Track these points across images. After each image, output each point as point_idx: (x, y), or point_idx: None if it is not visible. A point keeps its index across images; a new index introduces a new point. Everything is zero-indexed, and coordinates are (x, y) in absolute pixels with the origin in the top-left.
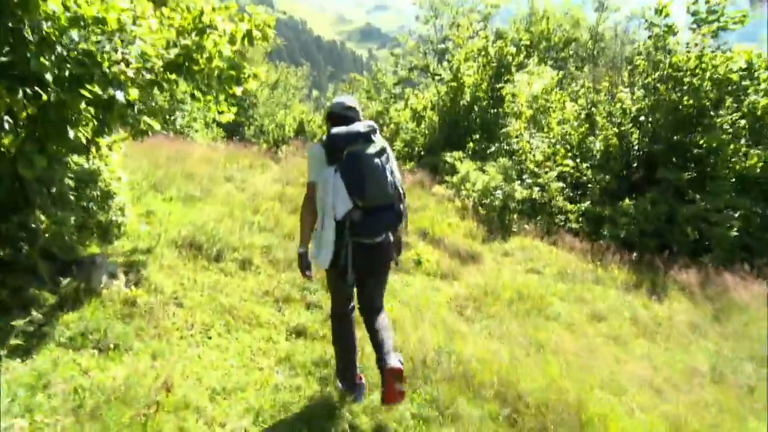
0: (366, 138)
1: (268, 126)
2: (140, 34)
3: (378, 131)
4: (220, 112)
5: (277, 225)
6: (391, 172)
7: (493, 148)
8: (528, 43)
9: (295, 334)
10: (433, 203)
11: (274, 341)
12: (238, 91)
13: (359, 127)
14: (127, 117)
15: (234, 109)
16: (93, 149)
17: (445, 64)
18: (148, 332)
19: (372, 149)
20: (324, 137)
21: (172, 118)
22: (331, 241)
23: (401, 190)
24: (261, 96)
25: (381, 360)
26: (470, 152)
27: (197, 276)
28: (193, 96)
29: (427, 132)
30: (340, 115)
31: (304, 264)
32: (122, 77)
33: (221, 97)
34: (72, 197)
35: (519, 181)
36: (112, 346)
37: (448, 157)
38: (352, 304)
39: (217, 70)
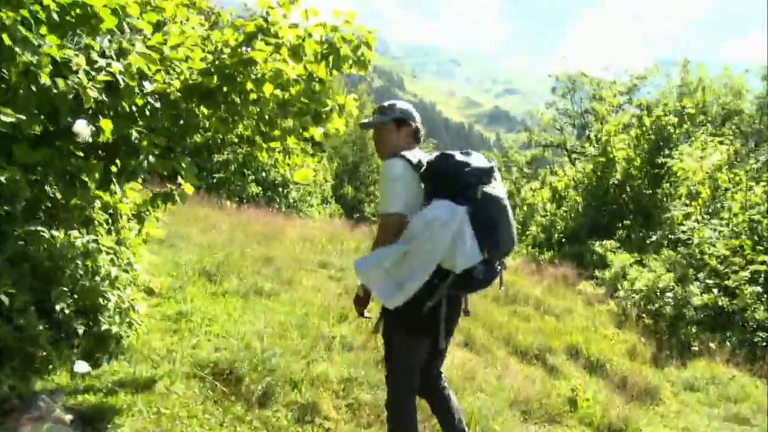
0: (493, 175)
1: None
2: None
3: None
4: (292, 167)
5: (370, 340)
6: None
7: (654, 237)
8: (693, 111)
9: None
10: (581, 306)
11: None
12: (316, 132)
13: (483, 160)
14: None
15: (313, 160)
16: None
17: (591, 137)
18: None
19: (501, 189)
20: (409, 155)
21: (285, 191)
22: (414, 288)
23: None
24: None
25: None
26: (623, 240)
27: None
28: (246, 139)
29: (568, 215)
30: (415, 130)
31: (364, 301)
32: (87, 98)
33: (291, 142)
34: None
35: (696, 282)
36: None
37: (597, 246)
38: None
39: (274, 99)
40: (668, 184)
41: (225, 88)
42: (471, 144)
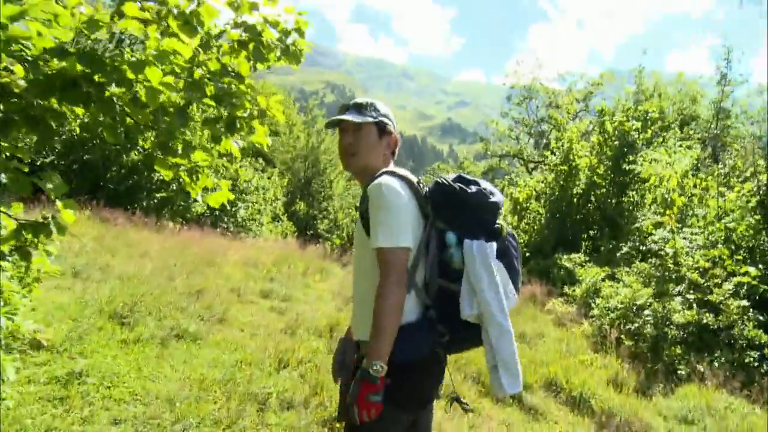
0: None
1: (342, 220)
2: None
3: None
4: (198, 188)
5: (313, 396)
6: None
7: (624, 249)
8: (656, 115)
9: None
10: (552, 328)
11: None
12: (232, 146)
13: (490, 187)
14: None
15: (227, 183)
16: None
17: (552, 144)
18: None
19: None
20: (405, 173)
21: (233, 209)
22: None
23: None
24: (337, 187)
25: None
26: (590, 253)
27: None
28: (145, 153)
29: (531, 228)
30: (395, 142)
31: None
32: None
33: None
34: None
35: (677, 297)
36: None
37: (565, 260)
38: None
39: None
40: (634, 192)
41: (96, 77)
42: (424, 156)
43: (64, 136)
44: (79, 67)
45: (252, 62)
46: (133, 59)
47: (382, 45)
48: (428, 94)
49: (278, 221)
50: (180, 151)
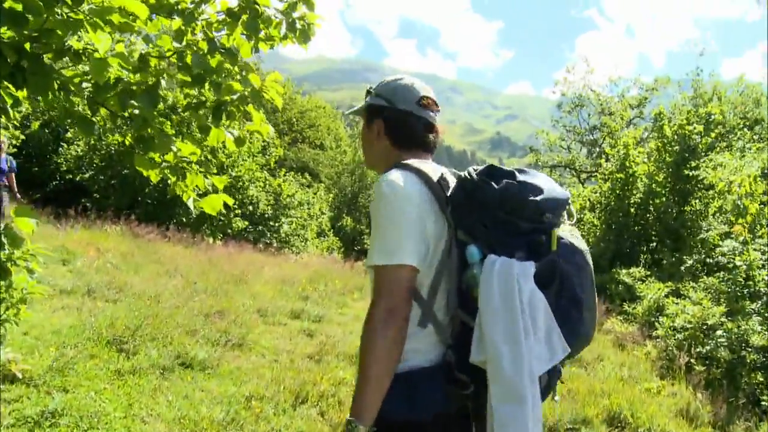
0: (569, 210)
1: None
2: None
3: None
4: (190, 189)
5: None
6: None
7: (690, 262)
8: (720, 117)
9: None
10: (612, 351)
11: None
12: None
13: (555, 185)
14: None
15: (221, 179)
16: None
17: (607, 151)
18: None
19: (578, 236)
20: (422, 166)
21: (276, 224)
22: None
23: None
24: None
25: None
26: (651, 267)
27: None
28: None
29: (587, 240)
30: (415, 124)
31: None
32: None
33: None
34: None
35: (755, 316)
36: None
37: (624, 275)
38: None
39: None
40: (697, 200)
41: (28, 46)
42: None
43: (102, 151)
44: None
45: (254, 42)
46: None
47: (430, 60)
48: (477, 108)
49: (324, 237)
50: (156, 143)
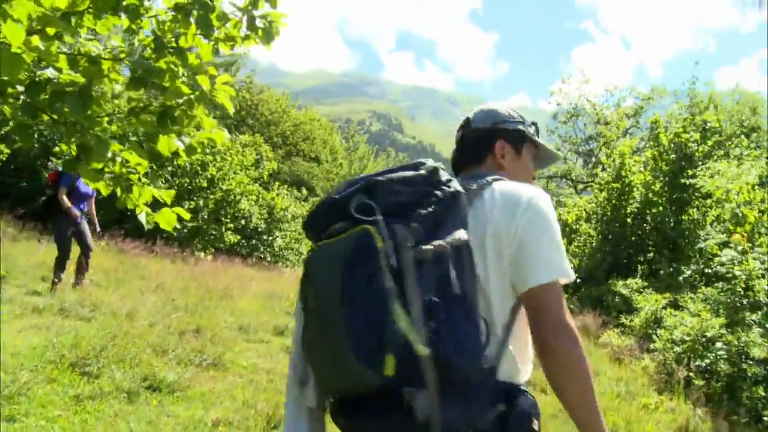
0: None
1: None
2: None
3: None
4: (135, 201)
5: None
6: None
7: (688, 272)
8: (717, 125)
9: None
10: (609, 365)
11: None
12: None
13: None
14: None
15: (170, 193)
16: None
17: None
18: None
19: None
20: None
21: (270, 239)
22: None
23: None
24: None
25: None
26: (648, 278)
27: None
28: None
29: (582, 252)
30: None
31: None
32: None
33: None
34: None
35: (756, 328)
36: None
37: (621, 286)
38: None
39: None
40: (695, 209)
41: None
42: None
43: None
44: None
45: (215, 43)
46: None
47: (428, 72)
48: None
49: None
50: (94, 151)
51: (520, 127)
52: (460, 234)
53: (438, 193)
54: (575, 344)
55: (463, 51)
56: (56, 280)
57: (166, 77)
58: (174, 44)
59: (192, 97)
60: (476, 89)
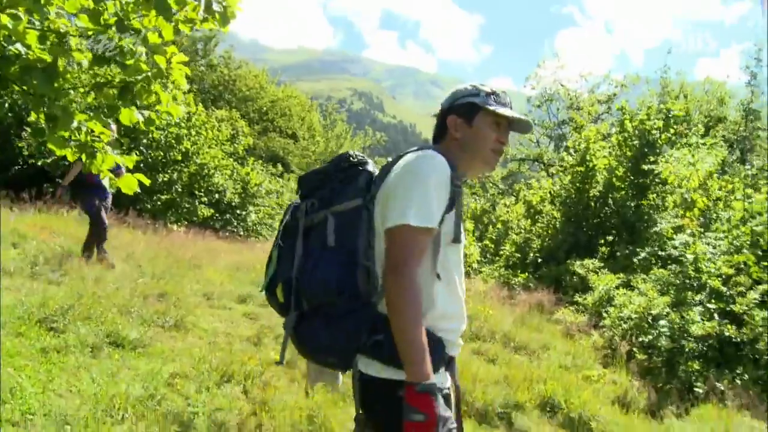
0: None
1: None
2: None
3: None
4: (98, 166)
5: (252, 416)
6: None
7: (642, 254)
8: (680, 114)
9: None
10: (560, 340)
11: None
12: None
13: None
14: None
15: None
16: None
17: (569, 145)
18: None
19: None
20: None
21: (243, 213)
22: None
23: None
24: None
25: None
26: (606, 259)
27: None
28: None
29: (545, 232)
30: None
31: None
32: None
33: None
34: None
35: (697, 307)
36: None
37: (578, 266)
38: None
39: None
40: (655, 194)
41: None
42: None
43: None
44: None
45: (175, 24)
46: None
47: (410, 52)
48: None
49: None
50: (59, 120)
51: (470, 99)
52: (354, 202)
53: (339, 175)
54: (399, 284)
55: (446, 32)
56: (102, 254)
57: (127, 56)
58: (138, 24)
59: (149, 74)
60: (459, 71)
